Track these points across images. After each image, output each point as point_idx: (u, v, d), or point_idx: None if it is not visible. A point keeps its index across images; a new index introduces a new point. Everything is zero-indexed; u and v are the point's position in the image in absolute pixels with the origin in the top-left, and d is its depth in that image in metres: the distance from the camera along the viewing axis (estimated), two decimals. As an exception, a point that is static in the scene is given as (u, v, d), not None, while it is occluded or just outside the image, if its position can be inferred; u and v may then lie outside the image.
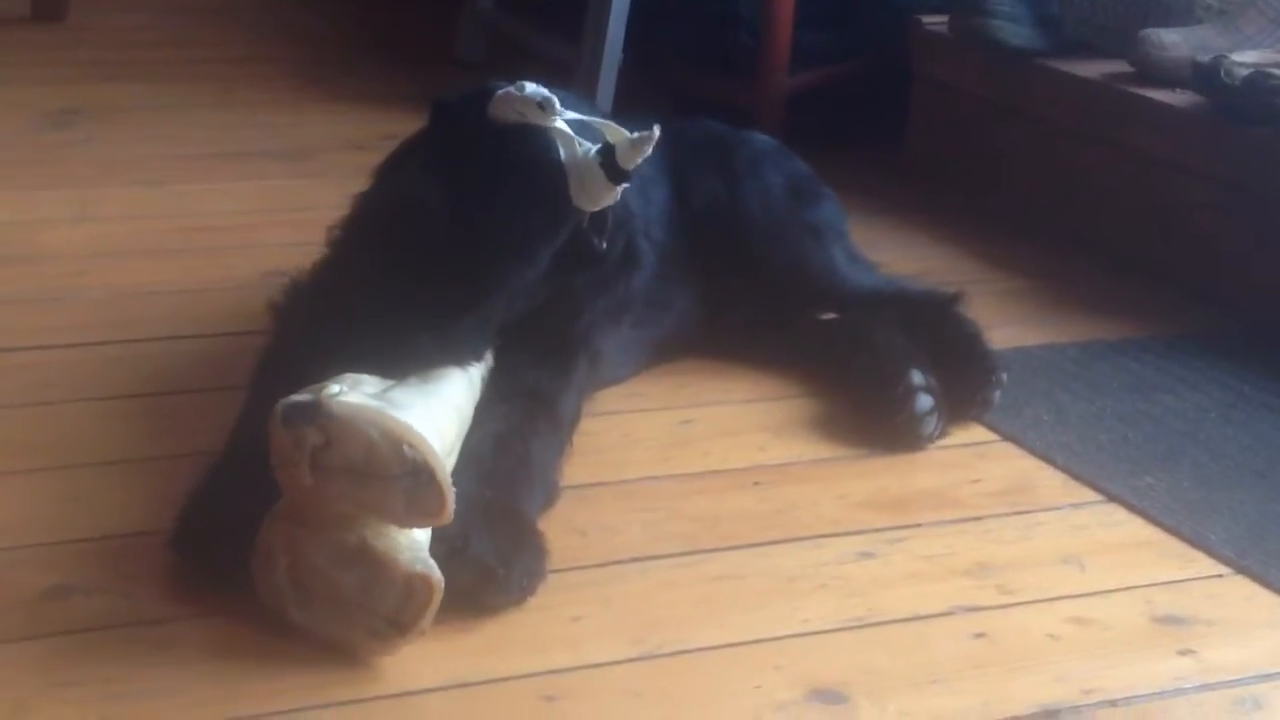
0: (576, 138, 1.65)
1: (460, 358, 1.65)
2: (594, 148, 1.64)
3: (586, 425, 1.85)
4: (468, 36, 3.41)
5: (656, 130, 1.61)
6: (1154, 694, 1.51)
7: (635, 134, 1.62)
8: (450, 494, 1.44)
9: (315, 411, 1.43)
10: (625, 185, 1.66)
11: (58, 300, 2.20)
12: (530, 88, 1.66)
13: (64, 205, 2.54)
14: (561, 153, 1.65)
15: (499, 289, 1.68)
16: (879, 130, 2.99)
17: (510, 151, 1.67)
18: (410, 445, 1.43)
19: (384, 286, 1.65)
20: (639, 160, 1.63)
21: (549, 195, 1.66)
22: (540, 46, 3.18)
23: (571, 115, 1.67)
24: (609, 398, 1.99)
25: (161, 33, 3.62)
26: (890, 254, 2.40)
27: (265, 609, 1.49)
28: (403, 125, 1.90)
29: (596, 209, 1.69)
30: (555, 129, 1.66)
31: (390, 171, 1.80)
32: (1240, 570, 1.71)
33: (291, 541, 1.47)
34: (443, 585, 1.45)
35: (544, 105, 1.64)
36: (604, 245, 1.74)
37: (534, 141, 1.66)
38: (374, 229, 1.73)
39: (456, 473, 1.51)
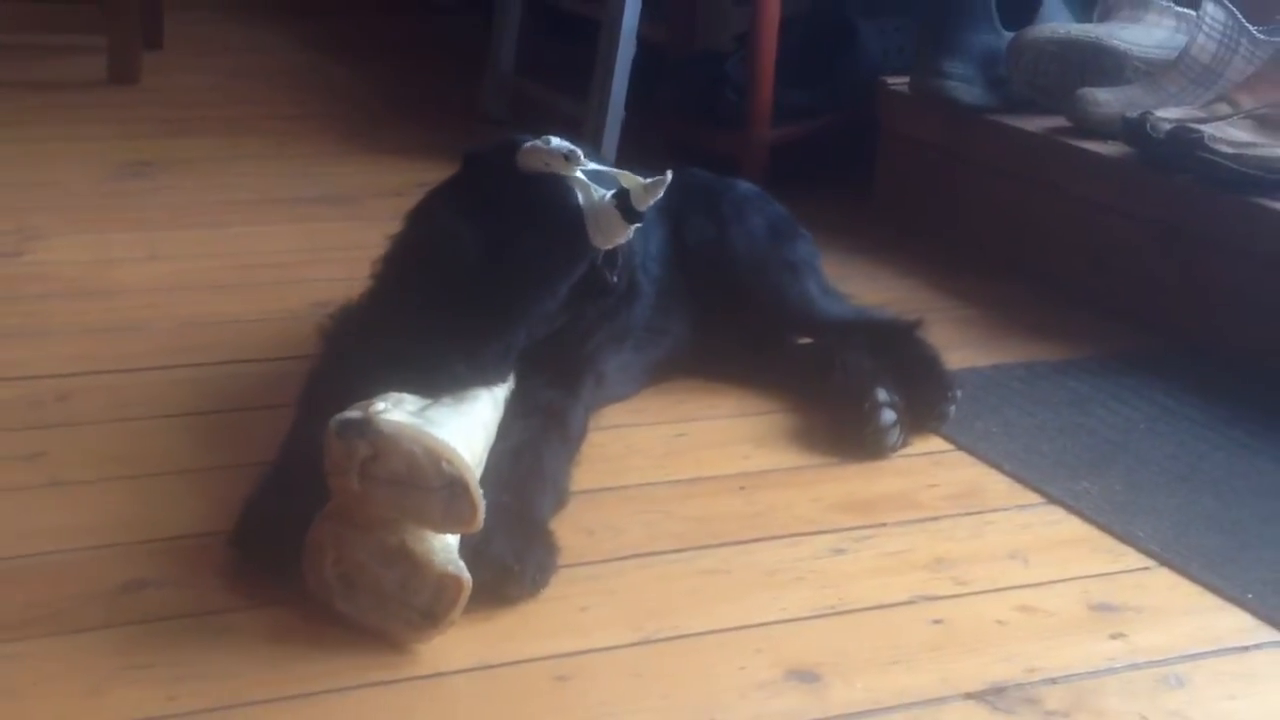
0: (592, 184, 1.66)
1: (488, 379, 1.65)
2: (609, 193, 1.65)
3: (593, 437, 1.86)
4: (491, 96, 3.42)
5: (669, 175, 1.63)
6: (1089, 673, 1.51)
7: (649, 180, 1.63)
8: (481, 506, 1.44)
9: (366, 427, 1.44)
10: (638, 225, 1.67)
11: (133, 329, 2.21)
12: (556, 141, 1.67)
13: (137, 246, 2.55)
14: (580, 197, 1.66)
15: (523, 317, 1.69)
16: (850, 177, 2.99)
17: (535, 196, 1.68)
18: (449, 462, 1.43)
19: (422, 316, 1.65)
20: (651, 202, 1.63)
21: (569, 235, 1.67)
22: (554, 103, 3.18)
23: (591, 166, 1.68)
24: (613, 413, 1.99)
25: (223, 94, 3.63)
26: (859, 286, 2.40)
27: (314, 600, 1.49)
28: (435, 174, 1.91)
29: (610, 247, 1.69)
30: (574, 177, 1.66)
31: (422, 214, 1.81)
32: (1164, 563, 1.72)
33: (339, 540, 1.47)
34: (471, 585, 1.45)
35: (569, 157, 1.66)
36: (615, 279, 1.74)
37: (556, 188, 1.67)
38: (414, 265, 1.74)
39: (480, 481, 1.51)
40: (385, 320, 1.70)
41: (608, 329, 1.87)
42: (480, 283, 1.66)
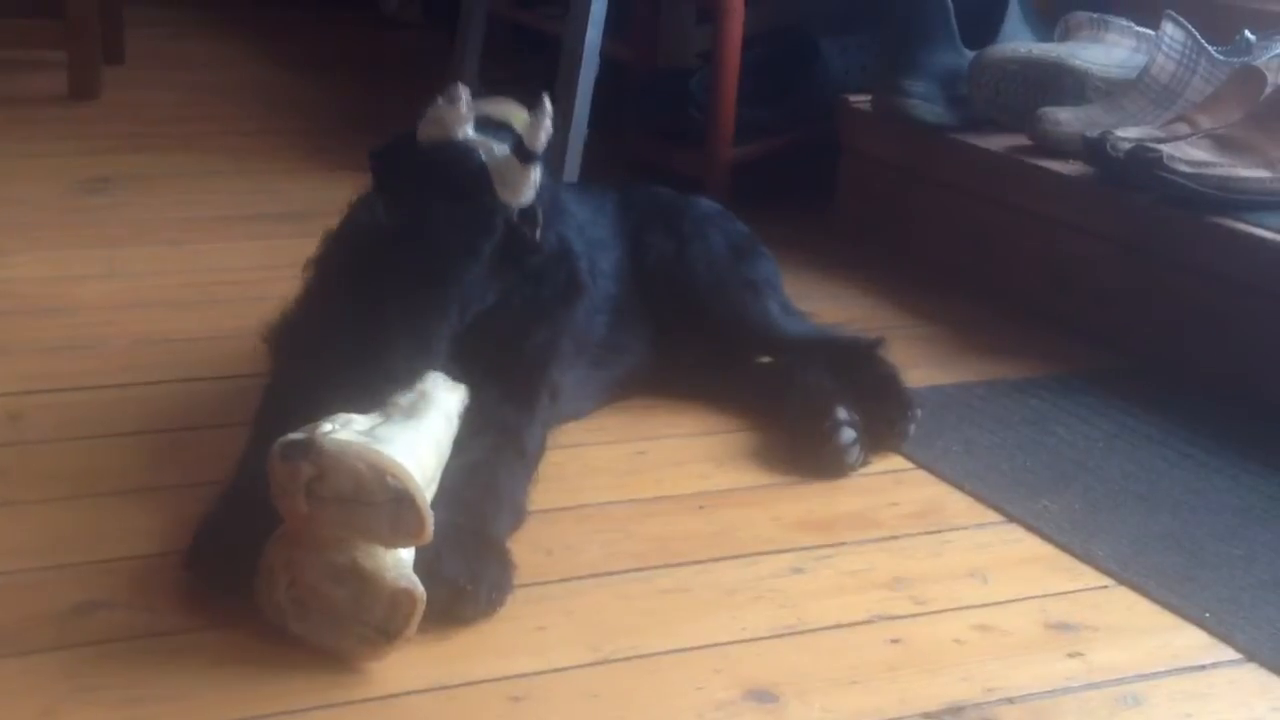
0: (491, 142, 1.69)
1: (433, 356, 1.66)
2: (507, 146, 1.68)
3: (551, 456, 1.85)
4: (452, 112, 3.40)
5: (547, 101, 1.66)
6: (1047, 692, 1.51)
7: (531, 113, 1.67)
8: (429, 517, 1.44)
9: (308, 448, 1.43)
10: (538, 166, 1.69)
11: (89, 347, 2.19)
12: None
13: (95, 263, 2.53)
14: (481, 155, 1.68)
15: (454, 284, 1.69)
16: (812, 195, 2.99)
17: (438, 166, 1.70)
18: (393, 475, 1.43)
19: (355, 311, 1.66)
20: (543, 137, 1.66)
21: (477, 194, 1.69)
22: (516, 121, 3.18)
23: (469, 106, 1.71)
24: (571, 431, 1.98)
25: (184, 109, 3.61)
26: (820, 304, 2.40)
27: (268, 621, 1.48)
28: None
29: (521, 199, 1.71)
30: (473, 140, 1.69)
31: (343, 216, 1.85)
32: (1123, 582, 1.72)
33: (290, 562, 1.46)
34: (425, 597, 1.44)
35: (450, 96, 1.69)
36: (538, 236, 1.75)
37: (455, 152, 1.70)
38: (338, 263, 1.75)
39: (434, 501, 1.50)
40: (322, 324, 1.70)
41: (552, 326, 1.86)
42: (405, 261, 1.67)
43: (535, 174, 1.69)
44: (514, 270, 1.77)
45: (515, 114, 1.68)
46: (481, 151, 1.69)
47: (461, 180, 1.69)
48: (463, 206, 1.69)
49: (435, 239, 1.68)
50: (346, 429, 1.48)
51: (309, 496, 1.43)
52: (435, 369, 1.65)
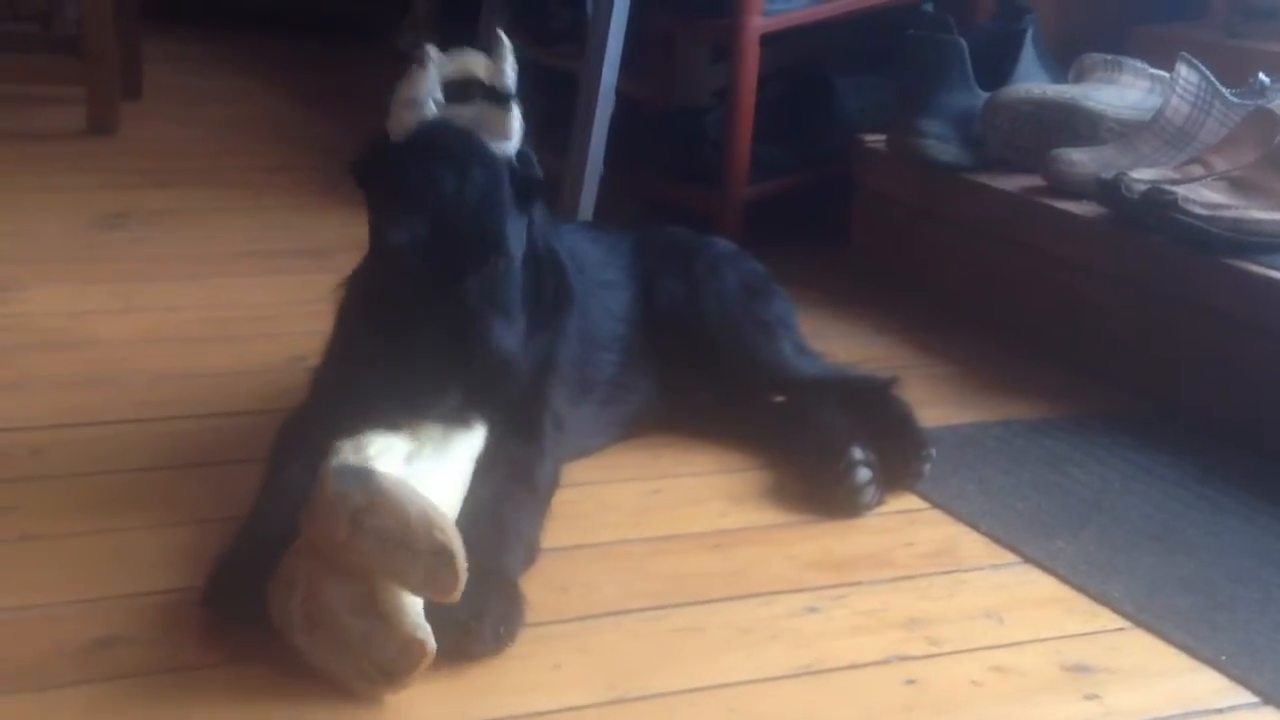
0: (452, 107, 1.73)
1: (518, 321, 1.71)
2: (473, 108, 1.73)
3: (566, 494, 1.85)
4: (468, 149, 3.41)
5: (504, 37, 1.71)
6: (1063, 734, 1.52)
7: (491, 56, 1.72)
8: (463, 578, 1.43)
9: (366, 478, 1.44)
10: (514, 103, 1.72)
11: (107, 382, 2.20)
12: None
13: (113, 297, 2.55)
14: (455, 121, 1.72)
15: (508, 243, 1.71)
16: (826, 233, 3.00)
17: (425, 144, 1.72)
18: (440, 530, 1.43)
19: (422, 303, 1.66)
20: (508, 73, 1.71)
21: (475, 151, 1.71)
22: (532, 159, 3.18)
23: (445, 66, 1.74)
24: (586, 469, 1.99)
25: (202, 145, 3.63)
26: (834, 342, 2.41)
27: (286, 657, 1.48)
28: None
29: (511, 140, 1.74)
30: (441, 112, 1.73)
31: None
32: (1139, 624, 1.72)
33: (311, 579, 1.46)
34: (434, 651, 1.44)
35: (419, 59, 1.72)
36: (540, 173, 1.79)
37: (433, 127, 1.73)
38: (387, 260, 1.74)
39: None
40: (380, 331, 1.71)
41: (546, 335, 1.87)
42: (455, 239, 1.68)
43: (515, 113, 1.71)
44: (530, 210, 1.79)
45: (477, 64, 1.70)
46: (452, 117, 1.72)
47: (453, 146, 1.70)
48: (467, 167, 1.69)
49: (468, 209, 1.68)
50: (390, 453, 1.48)
51: (352, 525, 1.43)
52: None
